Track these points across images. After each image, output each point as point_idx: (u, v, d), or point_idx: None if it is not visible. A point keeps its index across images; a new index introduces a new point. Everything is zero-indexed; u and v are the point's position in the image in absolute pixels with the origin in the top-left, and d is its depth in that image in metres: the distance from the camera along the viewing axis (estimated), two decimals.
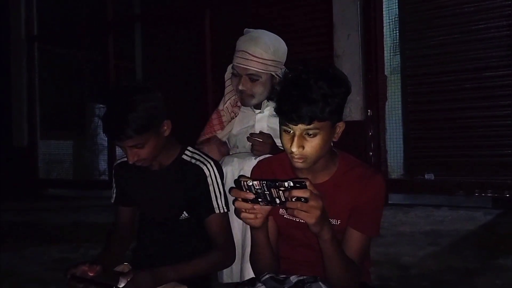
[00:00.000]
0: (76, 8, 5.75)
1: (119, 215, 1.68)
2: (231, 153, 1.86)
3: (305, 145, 1.17)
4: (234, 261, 1.58)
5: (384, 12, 3.94)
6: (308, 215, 1.04)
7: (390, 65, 4.13)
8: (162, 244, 1.60)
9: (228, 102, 1.95)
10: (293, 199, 1.03)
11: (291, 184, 1.02)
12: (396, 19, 4.26)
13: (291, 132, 1.17)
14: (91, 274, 1.35)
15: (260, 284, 1.19)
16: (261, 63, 1.79)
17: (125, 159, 1.50)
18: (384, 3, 3.91)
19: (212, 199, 1.52)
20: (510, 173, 3.00)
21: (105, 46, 4.79)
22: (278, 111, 1.19)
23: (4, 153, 5.04)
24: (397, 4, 4.24)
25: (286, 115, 1.16)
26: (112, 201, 1.69)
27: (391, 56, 4.19)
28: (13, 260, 2.63)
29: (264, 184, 1.04)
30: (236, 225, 1.63)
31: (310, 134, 1.16)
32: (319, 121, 1.15)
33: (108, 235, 1.68)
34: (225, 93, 1.98)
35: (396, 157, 4.28)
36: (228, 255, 1.54)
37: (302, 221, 1.08)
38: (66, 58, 5.85)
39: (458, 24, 4.17)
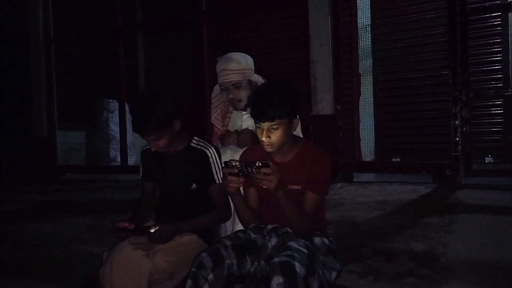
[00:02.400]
0: (88, 12, 6.25)
1: (144, 188, 2.21)
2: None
3: (271, 135, 1.66)
4: (230, 218, 2.11)
5: (358, 20, 4.53)
6: (269, 183, 1.57)
7: (363, 65, 4.76)
8: (178, 208, 2.05)
9: (215, 114, 2.51)
10: (261, 173, 1.60)
11: (260, 164, 1.55)
12: (368, 26, 4.89)
13: (261, 127, 1.67)
14: (130, 227, 1.92)
15: (248, 231, 1.77)
16: (238, 73, 2.34)
17: (149, 147, 2.03)
18: (358, 14, 4.48)
19: (213, 173, 2.01)
20: (447, 157, 3.63)
21: (115, 48, 5.25)
22: (251, 114, 1.68)
23: (26, 143, 5.51)
24: (369, 13, 4.86)
25: (256, 117, 1.66)
26: (140, 177, 2.23)
27: (365, 59, 4.81)
28: (54, 227, 3.19)
29: (243, 164, 1.57)
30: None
31: (274, 128, 1.65)
32: (279, 119, 1.63)
33: (137, 202, 2.19)
34: (212, 108, 2.55)
35: (368, 144, 4.92)
36: (226, 214, 2.08)
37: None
38: (79, 58, 6.32)
39: (421, 28, 4.80)
